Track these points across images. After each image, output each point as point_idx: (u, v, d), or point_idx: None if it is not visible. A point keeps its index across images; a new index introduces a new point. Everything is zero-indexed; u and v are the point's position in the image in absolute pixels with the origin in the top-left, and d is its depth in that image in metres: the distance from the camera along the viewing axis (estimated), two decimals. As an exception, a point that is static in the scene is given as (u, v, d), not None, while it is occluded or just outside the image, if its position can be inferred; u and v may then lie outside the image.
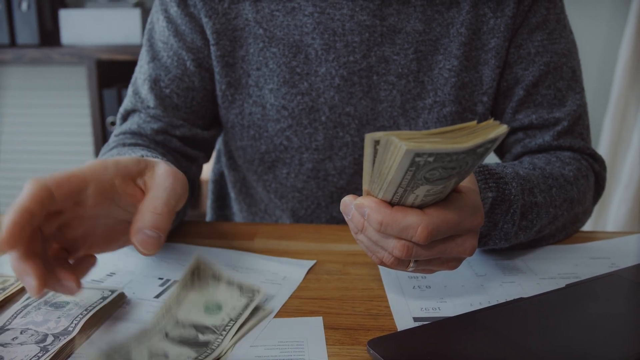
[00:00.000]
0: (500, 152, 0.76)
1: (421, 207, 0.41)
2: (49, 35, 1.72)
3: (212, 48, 0.68)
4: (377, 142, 0.35)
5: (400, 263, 0.43)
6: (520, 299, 0.48)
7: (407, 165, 0.34)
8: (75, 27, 1.66)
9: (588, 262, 0.57)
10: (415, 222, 0.40)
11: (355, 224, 0.43)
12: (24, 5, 1.65)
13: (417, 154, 0.33)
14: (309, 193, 0.74)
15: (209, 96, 0.72)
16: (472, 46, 0.68)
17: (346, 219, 0.44)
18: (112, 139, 0.69)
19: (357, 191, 0.73)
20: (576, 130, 0.70)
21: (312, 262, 0.57)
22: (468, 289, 0.52)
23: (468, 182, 0.44)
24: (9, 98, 1.85)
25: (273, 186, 0.74)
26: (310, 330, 0.44)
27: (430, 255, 0.42)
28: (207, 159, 0.76)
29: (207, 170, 0.90)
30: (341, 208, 0.44)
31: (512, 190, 0.52)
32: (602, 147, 1.72)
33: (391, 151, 0.35)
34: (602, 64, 1.80)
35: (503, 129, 0.35)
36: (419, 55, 0.68)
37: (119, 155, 0.56)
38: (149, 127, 0.68)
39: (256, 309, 0.47)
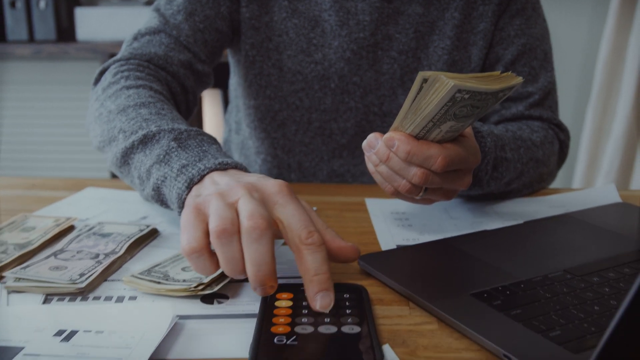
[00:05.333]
0: (480, 120, 0.86)
1: (440, 142, 0.50)
2: (65, 32, 1.83)
3: (242, 10, 0.77)
4: (424, 80, 0.44)
5: (413, 190, 0.52)
6: (485, 231, 0.59)
7: (447, 99, 0.43)
8: (90, 24, 1.77)
9: (547, 209, 0.67)
10: (437, 153, 0.49)
11: (379, 155, 0.52)
12: (42, 4, 1.75)
13: (459, 90, 0.42)
14: (314, 147, 0.84)
15: (226, 45, 0.81)
16: (463, 29, 0.79)
17: (368, 154, 0.53)
18: (123, 67, 0.68)
19: (357, 149, 0.84)
20: (546, 104, 0.80)
21: (314, 209, 0.66)
22: (443, 227, 0.62)
23: (468, 130, 0.54)
24: (28, 92, 1.95)
25: (281, 142, 0.84)
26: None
27: (440, 183, 0.52)
28: (196, 102, 0.80)
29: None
30: (364, 144, 0.53)
31: (487, 144, 0.61)
32: (585, 137, 1.83)
33: (436, 87, 0.43)
34: (584, 58, 1.91)
35: (519, 79, 0.45)
36: (418, 35, 0.79)
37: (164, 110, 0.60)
38: (177, 58, 0.72)
39: None
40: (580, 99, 1.93)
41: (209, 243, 0.42)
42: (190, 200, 0.46)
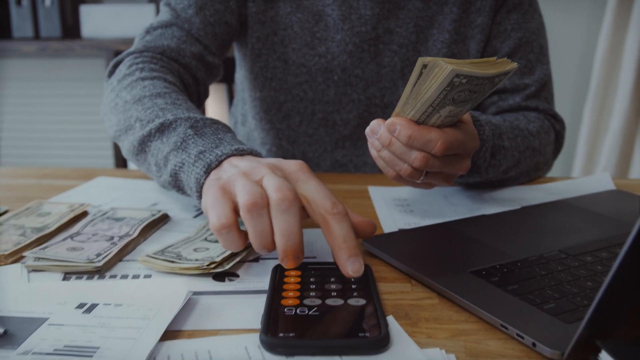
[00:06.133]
0: (479, 111, 0.88)
1: (439, 127, 0.52)
2: (70, 29, 1.85)
3: (249, 4, 0.80)
4: (424, 66, 0.46)
5: (414, 174, 0.54)
6: (483, 215, 0.61)
7: (445, 84, 0.45)
8: (95, 21, 1.79)
9: (543, 196, 0.70)
10: (436, 137, 0.51)
11: (382, 140, 0.54)
12: (48, 1, 1.77)
13: (457, 75, 0.45)
14: (318, 138, 0.86)
15: (234, 39, 0.83)
16: (461, 23, 0.81)
17: (371, 140, 0.55)
18: (137, 59, 0.71)
19: (360, 140, 0.86)
20: (542, 95, 0.83)
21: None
22: (443, 213, 0.64)
23: (466, 116, 0.56)
24: (33, 88, 1.97)
25: (286, 133, 0.87)
26: (318, 236, 0.57)
27: (439, 167, 0.54)
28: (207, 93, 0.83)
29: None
30: (367, 130, 0.55)
31: (485, 132, 0.64)
32: (583, 132, 1.85)
33: (435, 72, 0.45)
34: (582, 55, 1.93)
35: (514, 64, 0.48)
36: (418, 29, 0.81)
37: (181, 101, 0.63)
38: (189, 50, 0.75)
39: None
40: (578, 96, 1.95)
41: (237, 219, 0.44)
42: (211, 183, 0.48)
